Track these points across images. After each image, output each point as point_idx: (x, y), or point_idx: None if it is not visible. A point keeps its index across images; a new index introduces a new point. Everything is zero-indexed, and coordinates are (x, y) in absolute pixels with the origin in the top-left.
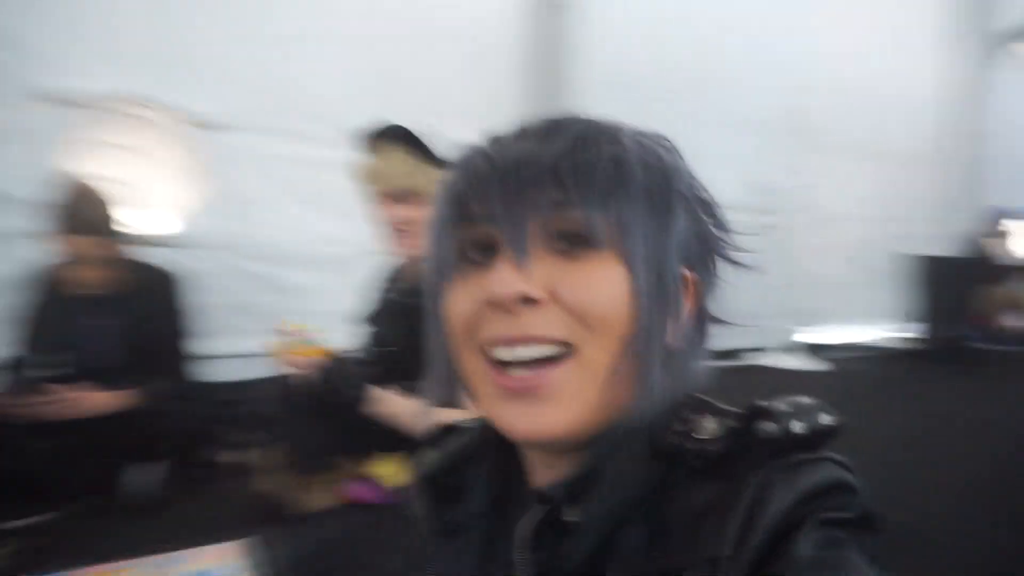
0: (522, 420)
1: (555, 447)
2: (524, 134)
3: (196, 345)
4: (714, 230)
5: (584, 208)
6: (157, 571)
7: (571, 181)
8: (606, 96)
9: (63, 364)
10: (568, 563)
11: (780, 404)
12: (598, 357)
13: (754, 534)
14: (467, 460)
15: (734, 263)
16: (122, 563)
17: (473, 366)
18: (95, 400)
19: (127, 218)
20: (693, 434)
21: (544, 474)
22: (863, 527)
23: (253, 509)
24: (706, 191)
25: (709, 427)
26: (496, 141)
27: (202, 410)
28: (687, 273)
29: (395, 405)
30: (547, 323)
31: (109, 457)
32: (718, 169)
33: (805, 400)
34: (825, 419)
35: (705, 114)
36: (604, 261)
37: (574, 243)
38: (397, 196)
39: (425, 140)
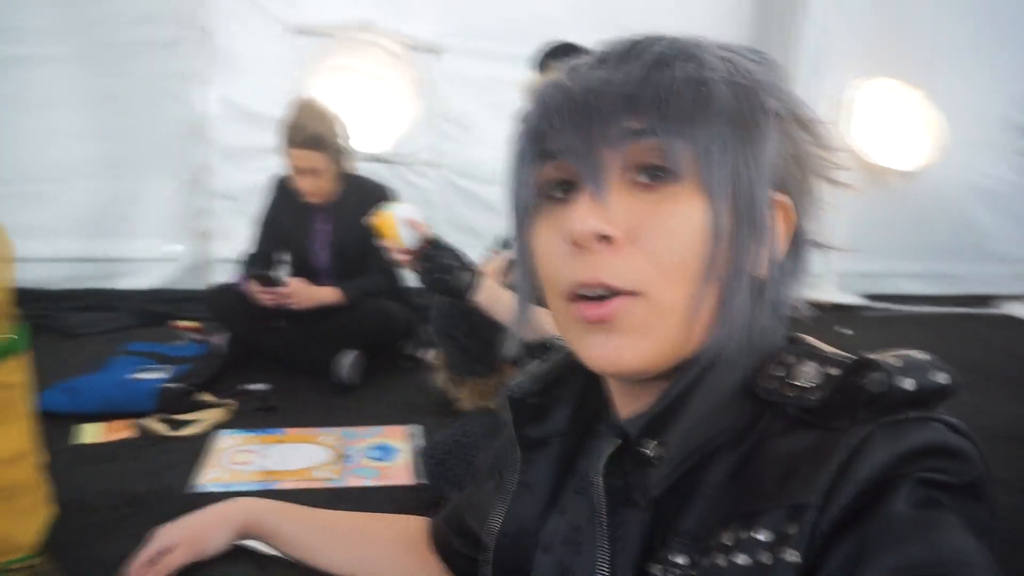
0: (599, 351)
1: (634, 378)
2: (601, 61)
3: None
4: (813, 149)
5: (663, 136)
6: (345, 440)
7: (648, 108)
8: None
9: (287, 262)
10: (644, 493)
11: (890, 357)
12: (673, 299)
13: (846, 486)
14: (555, 380)
15: (835, 184)
16: (320, 429)
17: (556, 299)
18: (311, 294)
19: (349, 135)
20: (791, 380)
21: (626, 402)
22: (972, 496)
23: (427, 400)
24: (804, 106)
25: (809, 374)
26: (573, 70)
27: (400, 310)
28: (781, 198)
29: (500, 301)
30: (621, 270)
31: (321, 343)
32: None
33: (919, 355)
34: (939, 378)
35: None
36: (686, 193)
37: (655, 175)
38: None
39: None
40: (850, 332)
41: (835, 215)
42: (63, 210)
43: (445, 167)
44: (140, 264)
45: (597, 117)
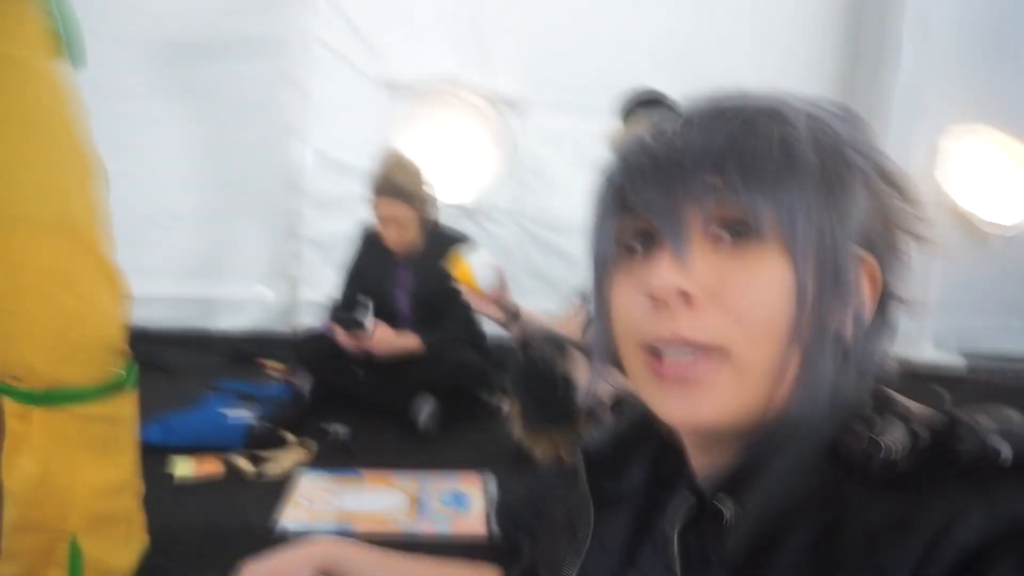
0: (676, 408)
1: (712, 436)
2: (685, 120)
3: None
4: (900, 205)
5: (746, 195)
6: (421, 486)
7: (732, 167)
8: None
9: (370, 309)
10: (720, 554)
11: (982, 417)
12: (754, 358)
13: (939, 559)
14: (630, 435)
15: (924, 241)
16: (397, 473)
17: (632, 353)
18: (392, 340)
19: (433, 186)
20: (877, 441)
21: (702, 459)
22: None
23: (502, 450)
24: (891, 162)
25: (896, 435)
26: (657, 128)
27: (477, 359)
28: (866, 256)
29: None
30: (702, 326)
31: (400, 389)
32: None
33: (1014, 415)
34: None
35: None
36: (769, 252)
37: (738, 233)
38: None
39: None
40: (947, 393)
41: (930, 271)
42: (168, 253)
43: (525, 217)
44: (234, 306)
45: (680, 175)
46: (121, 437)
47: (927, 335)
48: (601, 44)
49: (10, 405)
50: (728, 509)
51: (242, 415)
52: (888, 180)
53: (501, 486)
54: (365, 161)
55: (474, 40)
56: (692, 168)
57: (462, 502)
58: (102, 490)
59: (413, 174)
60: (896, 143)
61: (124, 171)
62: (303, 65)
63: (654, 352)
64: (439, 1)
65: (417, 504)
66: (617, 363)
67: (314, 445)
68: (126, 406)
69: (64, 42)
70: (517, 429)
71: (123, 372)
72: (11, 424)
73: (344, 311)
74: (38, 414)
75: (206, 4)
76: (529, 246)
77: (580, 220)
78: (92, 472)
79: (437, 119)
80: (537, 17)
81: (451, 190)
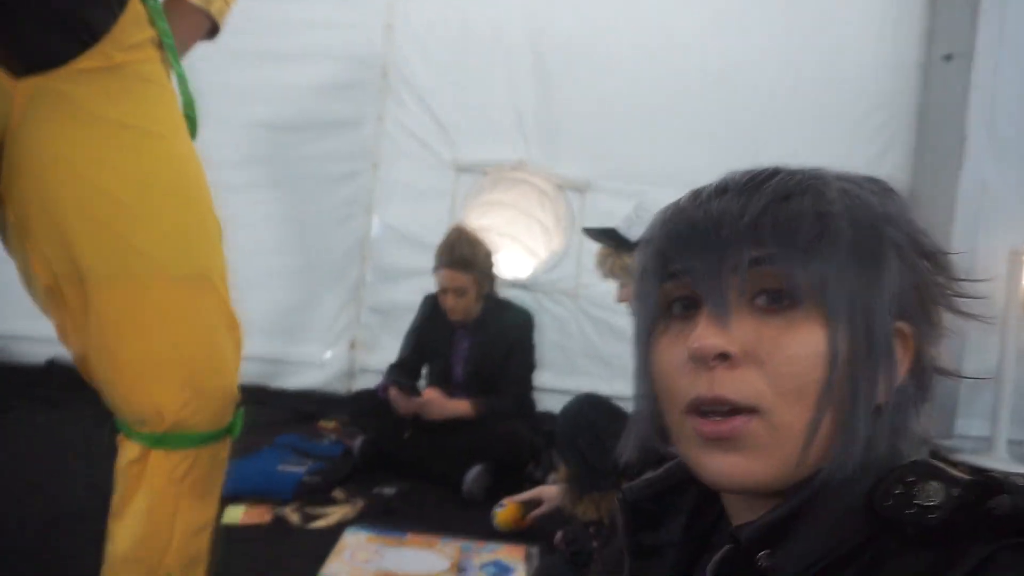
0: (716, 466)
1: (751, 494)
2: (725, 188)
3: (536, 375)
4: (936, 278)
5: (783, 265)
6: (464, 552)
7: (771, 238)
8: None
9: (426, 374)
10: None
11: (1019, 479)
12: (790, 418)
13: None
14: (670, 487)
15: (959, 312)
16: (441, 538)
17: (675, 413)
18: (445, 405)
19: (495, 260)
20: (912, 498)
21: (742, 515)
22: None
23: (546, 521)
24: (927, 236)
25: (931, 493)
26: (696, 196)
27: (527, 432)
28: (903, 326)
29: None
30: (741, 386)
31: (449, 455)
32: None
33: None
34: None
35: None
36: (805, 317)
37: (776, 299)
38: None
39: None
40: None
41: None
42: (246, 312)
43: (582, 298)
44: (299, 366)
45: (719, 244)
46: (216, 479)
47: (1001, 444)
48: (664, 133)
49: (129, 449)
50: (766, 562)
51: (294, 469)
52: (923, 253)
53: (543, 556)
54: (431, 236)
55: (542, 125)
56: (731, 237)
57: (505, 572)
58: (194, 530)
59: (475, 246)
60: (964, 244)
61: None
62: (380, 144)
63: (696, 412)
64: (510, 89)
65: (458, 569)
66: (661, 426)
67: (361, 503)
68: (226, 450)
69: (192, 122)
70: (562, 497)
71: (235, 417)
72: (128, 469)
73: (401, 374)
74: (154, 455)
75: (296, 88)
76: (585, 324)
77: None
78: (190, 512)
79: (502, 199)
80: (604, 105)
81: (512, 266)
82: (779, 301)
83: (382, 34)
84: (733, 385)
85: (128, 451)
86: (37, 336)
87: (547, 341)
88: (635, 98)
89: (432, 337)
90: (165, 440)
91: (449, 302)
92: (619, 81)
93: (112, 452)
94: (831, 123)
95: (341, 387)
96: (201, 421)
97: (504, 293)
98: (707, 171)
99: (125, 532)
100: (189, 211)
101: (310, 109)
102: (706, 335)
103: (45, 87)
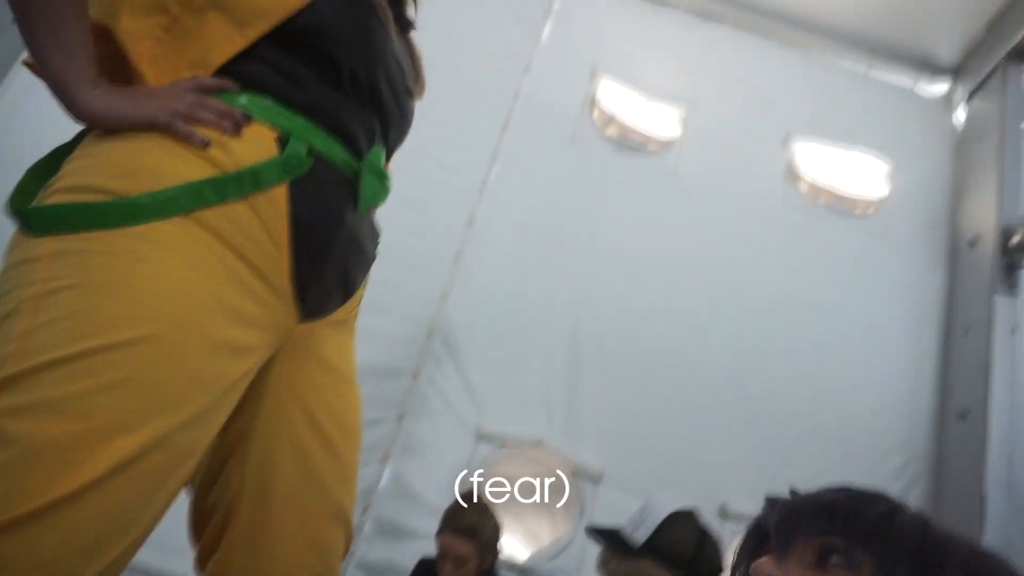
0: None
1: None
2: (793, 491)
3: None
4: None
5: (846, 539)
6: None
7: (836, 522)
8: None
9: None
10: None
11: None
12: None
13: None
14: None
15: None
16: None
17: None
18: None
19: (502, 535)
20: None
21: None
22: None
23: None
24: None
25: None
26: (771, 498)
27: None
28: None
29: None
30: None
31: None
32: None
33: None
34: None
35: None
36: None
37: (829, 558)
38: None
39: None
40: None
41: None
42: None
43: None
44: None
45: (800, 516)
46: None
47: None
48: (685, 437)
49: None
50: None
51: None
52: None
53: None
54: (441, 499)
55: (566, 408)
56: (810, 513)
57: None
58: None
59: (484, 516)
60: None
61: None
62: (410, 398)
63: None
64: (540, 367)
65: None
66: None
67: None
68: None
69: None
70: None
71: None
72: None
73: None
74: None
75: None
76: None
77: None
78: None
79: (516, 474)
80: (627, 396)
81: (511, 545)
82: (832, 561)
83: (437, 301)
84: None
85: None
86: None
87: None
88: (663, 398)
89: None
90: None
91: (446, 570)
92: (650, 378)
93: None
94: (853, 459)
95: None
96: None
97: (500, 569)
98: (723, 480)
99: None
100: (357, 454)
101: None
102: (764, 564)
103: (308, 331)
